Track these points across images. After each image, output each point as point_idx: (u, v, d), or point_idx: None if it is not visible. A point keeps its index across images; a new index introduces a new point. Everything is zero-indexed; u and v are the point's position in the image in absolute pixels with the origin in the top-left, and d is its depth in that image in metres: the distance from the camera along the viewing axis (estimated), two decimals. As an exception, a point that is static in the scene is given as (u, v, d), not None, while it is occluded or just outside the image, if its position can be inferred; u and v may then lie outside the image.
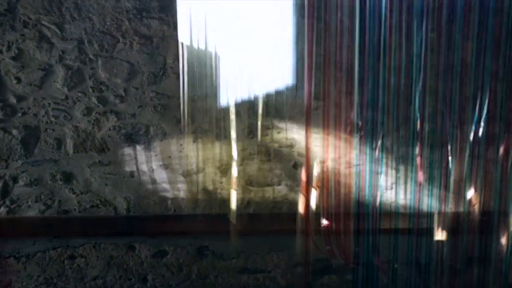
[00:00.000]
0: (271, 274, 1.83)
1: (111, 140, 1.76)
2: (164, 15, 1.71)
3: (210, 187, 1.79)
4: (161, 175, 1.79)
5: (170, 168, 1.79)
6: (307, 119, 1.69)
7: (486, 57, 1.65)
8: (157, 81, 1.74)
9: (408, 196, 1.72)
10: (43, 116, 1.72)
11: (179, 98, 1.75)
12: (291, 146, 1.76)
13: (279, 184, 1.79)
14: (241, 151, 1.78)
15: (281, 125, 1.75)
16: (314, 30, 1.64)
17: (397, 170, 1.73)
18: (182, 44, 1.70)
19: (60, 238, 1.78)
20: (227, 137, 1.76)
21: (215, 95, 1.74)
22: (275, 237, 1.78)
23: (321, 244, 1.72)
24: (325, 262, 1.81)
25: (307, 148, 1.68)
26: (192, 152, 1.77)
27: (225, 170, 1.79)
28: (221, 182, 1.80)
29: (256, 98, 1.73)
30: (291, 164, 1.78)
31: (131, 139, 1.77)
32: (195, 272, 1.82)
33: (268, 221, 1.76)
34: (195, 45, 1.69)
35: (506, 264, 1.66)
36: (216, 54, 1.71)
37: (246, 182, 1.79)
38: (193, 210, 1.81)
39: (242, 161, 1.79)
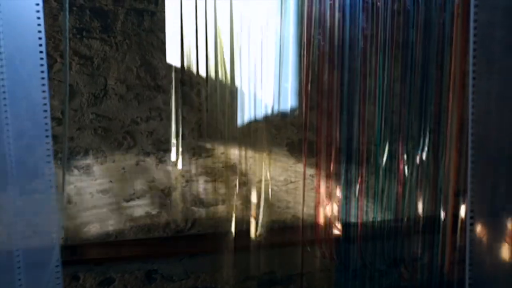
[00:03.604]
0: (220, 291, 1.88)
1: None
2: (106, 36, 1.67)
3: (155, 211, 1.78)
4: (101, 201, 1.72)
5: (111, 193, 1.73)
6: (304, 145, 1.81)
7: (396, 84, 1.94)
8: (98, 102, 1.69)
9: (338, 209, 1.92)
10: (-33, 141, 1.54)
11: (120, 120, 1.72)
12: (234, 165, 1.84)
13: (223, 203, 1.84)
14: (185, 172, 1.81)
15: (224, 146, 1.82)
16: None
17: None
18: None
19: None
20: (170, 159, 1.78)
21: (159, 116, 1.75)
22: (223, 254, 1.82)
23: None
24: (271, 274, 1.90)
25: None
26: (135, 175, 1.75)
27: (169, 192, 1.79)
28: (164, 205, 1.79)
29: (200, 120, 1.79)
30: (234, 183, 1.85)
31: (69, 164, 1.67)
32: (143, 297, 1.78)
33: (215, 240, 1.81)
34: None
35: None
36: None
37: (191, 203, 1.82)
38: (136, 234, 1.78)
39: (186, 182, 1.81)
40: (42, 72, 1.11)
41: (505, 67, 1.33)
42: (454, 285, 1.77)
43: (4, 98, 1.08)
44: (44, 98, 1.13)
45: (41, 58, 1.10)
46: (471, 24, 1.28)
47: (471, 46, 1.30)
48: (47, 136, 1.19)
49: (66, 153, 1.24)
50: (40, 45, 1.10)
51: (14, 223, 1.25)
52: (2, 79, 1.07)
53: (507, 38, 1.33)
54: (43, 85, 1.12)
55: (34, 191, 1.29)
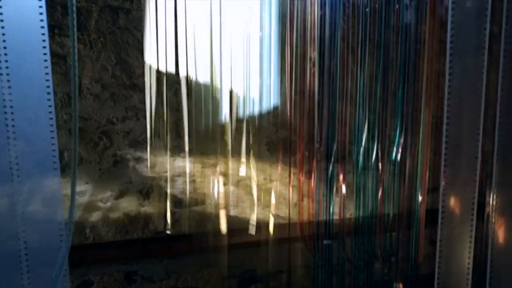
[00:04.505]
0: (201, 291, 1.88)
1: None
2: (80, 34, 1.62)
3: (133, 212, 1.75)
4: (77, 202, 1.68)
5: (88, 194, 1.69)
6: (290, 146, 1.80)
7: (373, 83, 1.97)
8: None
9: (319, 206, 1.94)
10: None
11: (96, 120, 1.68)
12: (214, 166, 1.83)
13: (203, 204, 1.83)
14: (163, 172, 1.78)
15: (203, 145, 1.80)
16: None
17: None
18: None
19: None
20: (149, 159, 1.75)
21: (136, 116, 1.72)
22: (203, 254, 1.81)
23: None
24: (252, 272, 1.91)
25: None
26: (112, 176, 1.71)
27: (147, 193, 1.76)
28: (143, 206, 1.77)
29: (180, 120, 1.76)
30: (214, 183, 1.84)
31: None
32: (123, 300, 1.76)
33: (196, 240, 1.80)
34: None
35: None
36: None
37: (170, 204, 1.80)
38: (114, 236, 1.74)
39: (165, 183, 1.78)
40: (47, 74, 1.13)
41: (475, 67, 1.37)
42: (428, 278, 1.83)
43: (10, 100, 1.12)
44: (49, 100, 1.17)
45: (45, 60, 1.12)
46: (449, 26, 1.31)
47: (448, 47, 1.33)
48: (52, 136, 1.23)
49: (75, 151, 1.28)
50: (44, 47, 1.12)
51: (20, 222, 1.28)
52: (8, 80, 1.10)
53: (476, 39, 1.37)
54: (48, 87, 1.15)
55: (40, 189, 1.32)
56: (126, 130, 1.71)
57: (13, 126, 1.17)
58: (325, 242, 1.84)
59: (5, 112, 1.14)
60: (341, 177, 1.85)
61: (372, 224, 1.89)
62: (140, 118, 1.72)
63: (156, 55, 1.68)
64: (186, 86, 1.71)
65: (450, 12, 1.31)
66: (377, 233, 1.93)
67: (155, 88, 1.71)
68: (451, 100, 1.35)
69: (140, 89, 1.71)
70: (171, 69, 1.68)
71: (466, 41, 1.34)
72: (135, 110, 1.71)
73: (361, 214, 1.90)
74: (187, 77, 1.69)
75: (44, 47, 1.12)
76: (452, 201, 1.43)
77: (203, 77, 1.70)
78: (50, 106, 1.16)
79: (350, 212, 1.93)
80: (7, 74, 1.11)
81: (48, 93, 1.14)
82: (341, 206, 1.87)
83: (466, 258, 1.44)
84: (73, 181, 1.21)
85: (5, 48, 1.09)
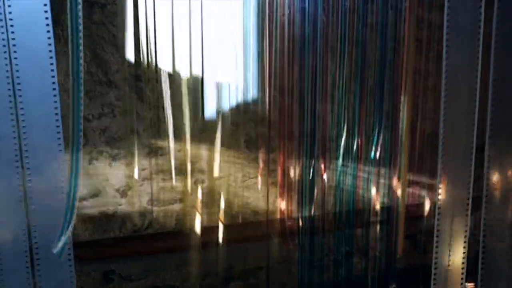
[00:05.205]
0: (180, 289, 1.87)
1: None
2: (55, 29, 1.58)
3: (110, 210, 1.72)
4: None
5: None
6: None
7: (352, 81, 1.98)
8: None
9: (298, 202, 1.95)
10: None
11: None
12: (192, 163, 1.81)
13: (181, 202, 1.82)
14: (141, 170, 1.76)
15: (181, 143, 1.79)
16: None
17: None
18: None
19: None
20: (126, 157, 1.72)
21: (112, 113, 1.69)
22: (182, 252, 1.80)
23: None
24: (230, 270, 1.91)
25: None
26: (88, 174, 1.68)
27: (124, 191, 1.74)
28: (120, 205, 1.74)
29: (156, 116, 1.74)
30: (192, 181, 1.83)
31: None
32: (100, 299, 1.73)
33: (174, 238, 1.78)
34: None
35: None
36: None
37: (148, 202, 1.78)
38: (91, 235, 1.71)
39: (142, 181, 1.76)
40: (52, 70, 1.24)
41: (470, 64, 1.41)
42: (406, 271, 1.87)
43: (20, 96, 1.21)
44: (55, 96, 1.28)
45: (51, 63, 1.24)
46: (445, 25, 1.34)
47: (444, 44, 1.36)
48: (58, 132, 1.35)
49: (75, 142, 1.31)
50: (50, 44, 1.24)
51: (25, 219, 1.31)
52: (17, 70, 1.17)
53: (471, 38, 1.40)
54: (53, 82, 1.26)
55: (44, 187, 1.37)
56: (102, 128, 1.68)
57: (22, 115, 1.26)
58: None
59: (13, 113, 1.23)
60: (320, 173, 1.86)
61: (351, 219, 1.91)
62: (116, 115, 1.69)
63: (132, 50, 1.66)
64: (164, 81, 1.69)
65: (445, 11, 1.34)
66: (356, 228, 1.95)
67: (132, 84, 1.69)
68: (447, 97, 1.40)
69: (116, 85, 1.68)
70: (149, 65, 1.66)
71: (461, 40, 1.38)
72: (111, 107, 1.68)
73: (340, 209, 1.92)
74: (165, 73, 1.67)
75: (49, 38, 1.24)
76: (448, 195, 1.47)
77: (181, 73, 1.68)
78: (55, 101, 1.27)
79: (329, 208, 1.95)
80: (16, 65, 1.18)
81: (54, 89, 1.26)
82: (321, 202, 1.88)
83: (462, 250, 1.48)
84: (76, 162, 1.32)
85: (14, 44, 1.16)
